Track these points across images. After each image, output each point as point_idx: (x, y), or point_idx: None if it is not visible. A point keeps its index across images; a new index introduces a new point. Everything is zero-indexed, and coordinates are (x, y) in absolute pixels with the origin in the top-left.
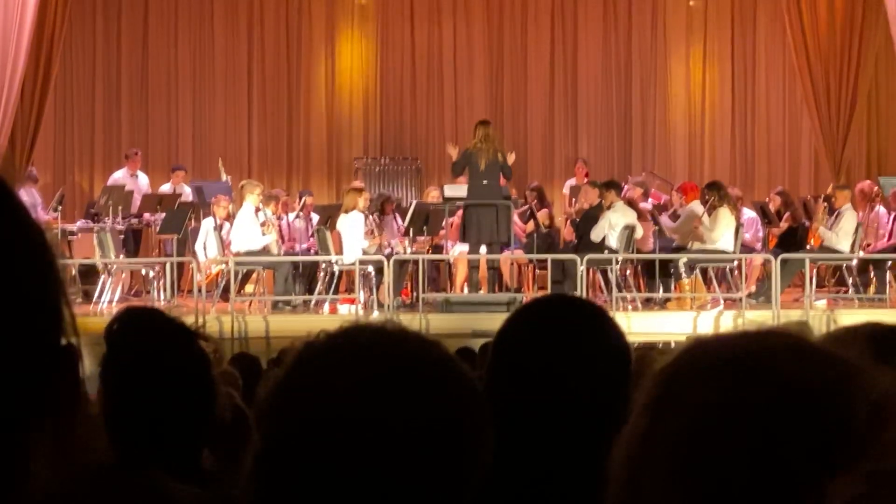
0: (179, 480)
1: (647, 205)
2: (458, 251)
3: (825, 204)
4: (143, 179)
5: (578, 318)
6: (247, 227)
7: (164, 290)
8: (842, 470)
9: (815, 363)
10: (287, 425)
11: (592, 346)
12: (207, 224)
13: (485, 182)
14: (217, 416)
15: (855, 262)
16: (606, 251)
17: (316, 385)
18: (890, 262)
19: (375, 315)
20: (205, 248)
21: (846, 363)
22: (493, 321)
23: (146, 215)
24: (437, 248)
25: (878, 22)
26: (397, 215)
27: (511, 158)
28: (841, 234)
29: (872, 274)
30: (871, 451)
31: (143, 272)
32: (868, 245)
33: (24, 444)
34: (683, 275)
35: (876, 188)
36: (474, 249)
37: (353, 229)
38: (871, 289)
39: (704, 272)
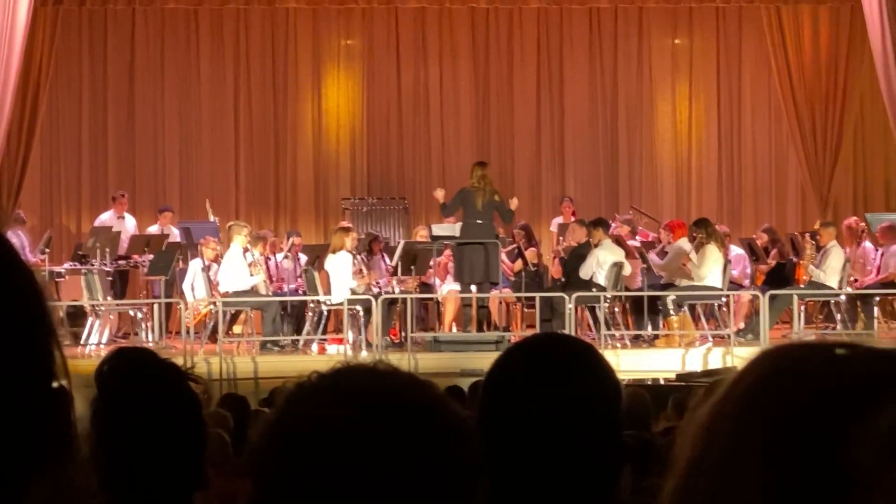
0: None
1: (634, 242)
2: (446, 290)
3: (812, 241)
4: (131, 221)
5: (569, 356)
6: (235, 268)
7: (152, 331)
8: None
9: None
10: (280, 467)
11: (584, 385)
12: (195, 265)
13: (479, 222)
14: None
15: (843, 298)
16: (595, 289)
17: (308, 427)
18: (878, 298)
19: (364, 355)
20: (193, 289)
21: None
22: (482, 360)
23: (134, 257)
24: (426, 287)
25: (863, 59)
26: (385, 255)
27: (514, 203)
28: (829, 271)
29: (860, 309)
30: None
31: (132, 314)
32: (855, 281)
33: (19, 488)
34: (672, 312)
35: (862, 224)
36: (465, 289)
37: (341, 269)
38: (860, 324)
39: (693, 309)
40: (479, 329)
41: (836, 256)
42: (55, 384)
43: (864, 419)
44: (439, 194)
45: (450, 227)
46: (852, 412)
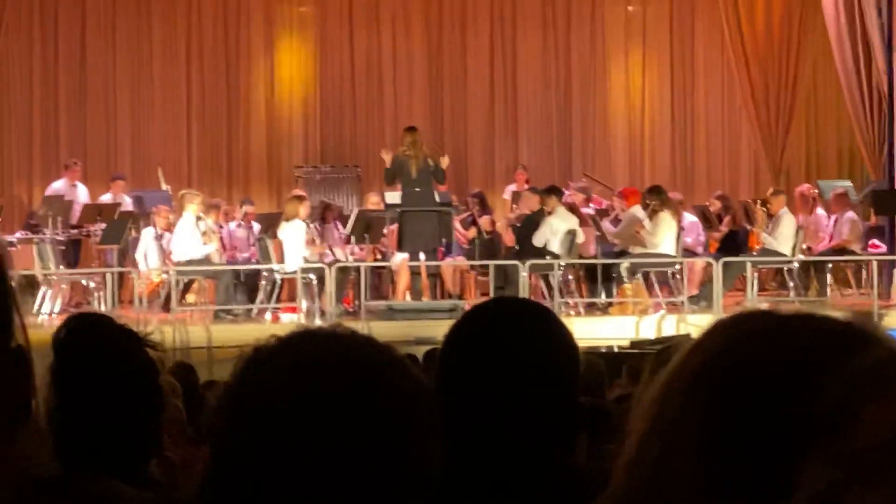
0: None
1: (588, 210)
2: (399, 258)
3: (764, 209)
4: (83, 190)
5: (525, 320)
6: (187, 237)
7: (105, 301)
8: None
9: (779, 345)
10: (239, 432)
11: (540, 347)
12: (148, 234)
13: (417, 189)
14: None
15: (796, 264)
16: (548, 257)
17: (268, 390)
18: (830, 265)
19: (318, 323)
20: (145, 258)
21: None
22: (436, 328)
23: (86, 226)
24: (381, 256)
25: (816, 27)
26: (338, 223)
27: (445, 162)
28: (780, 238)
29: (813, 277)
30: (846, 438)
31: (84, 283)
32: (808, 248)
33: None
34: (625, 279)
35: (815, 191)
36: (413, 257)
37: (294, 238)
38: (812, 291)
39: (646, 276)
40: (433, 297)
41: (787, 224)
42: (13, 344)
43: (830, 368)
44: (386, 156)
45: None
46: (813, 365)
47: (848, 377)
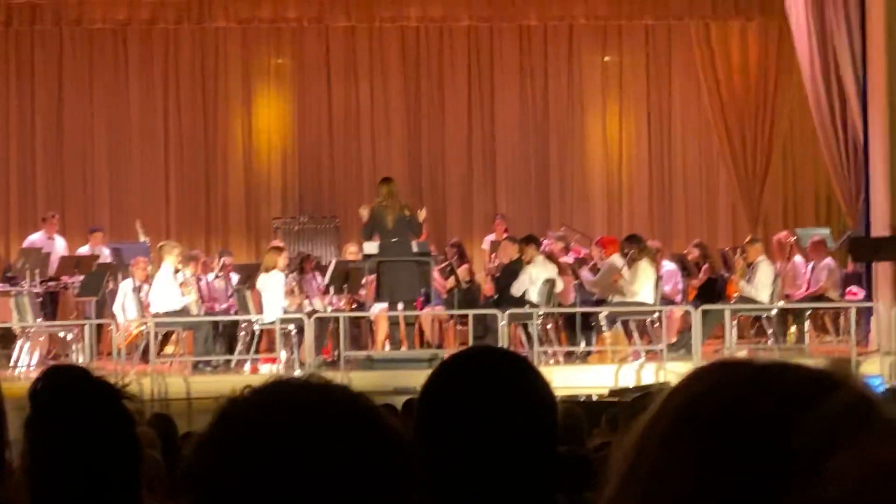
0: None
1: (567, 259)
2: (378, 308)
3: (741, 257)
4: (61, 242)
5: (503, 369)
6: (166, 288)
7: (83, 352)
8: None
9: (754, 393)
10: (215, 483)
11: (518, 397)
12: (126, 285)
13: (394, 240)
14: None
15: (774, 312)
16: (527, 305)
17: (242, 441)
18: (809, 312)
19: (297, 374)
20: (123, 310)
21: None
22: (415, 378)
23: (64, 278)
24: (359, 306)
25: (792, 75)
26: (317, 274)
27: (422, 215)
28: (758, 286)
29: (792, 323)
30: (815, 482)
31: (62, 335)
32: (787, 296)
33: None
34: (604, 328)
35: (793, 239)
36: (392, 307)
37: (273, 288)
38: (791, 338)
39: (625, 325)
40: (412, 347)
41: (764, 271)
42: None
43: (801, 415)
44: (363, 213)
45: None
46: (786, 412)
47: (816, 425)
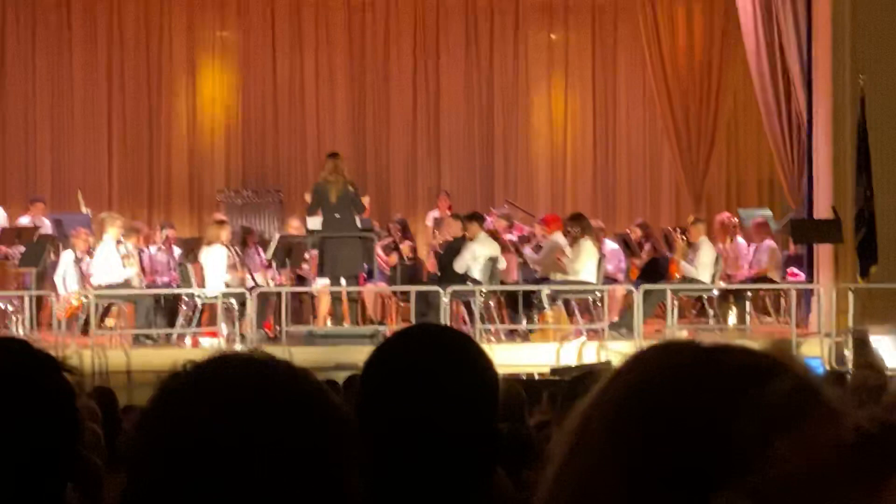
0: None
1: (510, 236)
2: (321, 283)
3: (684, 237)
4: (0, 213)
5: (445, 346)
6: (107, 260)
7: (23, 324)
8: (723, 485)
9: (696, 379)
10: (155, 458)
11: (460, 374)
12: (67, 257)
13: (337, 215)
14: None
15: (715, 292)
16: (470, 283)
17: (183, 417)
18: (750, 293)
19: (238, 348)
20: (64, 282)
21: (733, 376)
22: (357, 353)
23: (3, 248)
24: (302, 280)
25: (737, 56)
26: (259, 248)
27: (366, 201)
28: (700, 267)
29: (733, 304)
30: (757, 467)
31: (2, 306)
32: (729, 276)
33: None
34: (546, 306)
35: (735, 220)
36: (334, 283)
37: (215, 262)
38: (732, 319)
39: (567, 303)
40: (354, 322)
41: (706, 252)
42: None
43: (743, 401)
44: (308, 197)
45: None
46: (728, 398)
47: (759, 409)
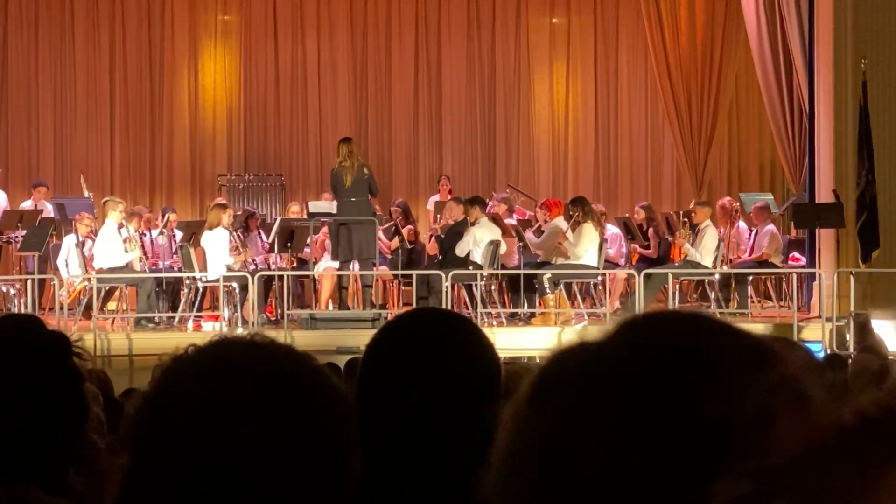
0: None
1: (511, 220)
2: (322, 267)
3: (686, 221)
4: (3, 197)
5: (446, 330)
6: (109, 244)
7: (26, 307)
8: (725, 470)
9: (696, 361)
10: (157, 440)
11: (461, 359)
12: (69, 241)
13: (353, 199)
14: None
15: (717, 277)
16: (471, 267)
17: (186, 399)
18: (751, 277)
19: (240, 332)
20: (67, 265)
21: (735, 360)
22: (358, 337)
23: (6, 232)
24: (302, 264)
25: (738, 40)
26: (261, 231)
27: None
28: (703, 251)
29: (734, 289)
30: (758, 450)
31: (4, 290)
32: (730, 261)
33: None
34: (548, 290)
35: (737, 204)
36: (345, 266)
37: (217, 246)
38: (733, 304)
39: (569, 287)
40: (368, 307)
41: (710, 236)
42: None
43: (747, 382)
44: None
45: (326, 205)
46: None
47: (761, 391)
